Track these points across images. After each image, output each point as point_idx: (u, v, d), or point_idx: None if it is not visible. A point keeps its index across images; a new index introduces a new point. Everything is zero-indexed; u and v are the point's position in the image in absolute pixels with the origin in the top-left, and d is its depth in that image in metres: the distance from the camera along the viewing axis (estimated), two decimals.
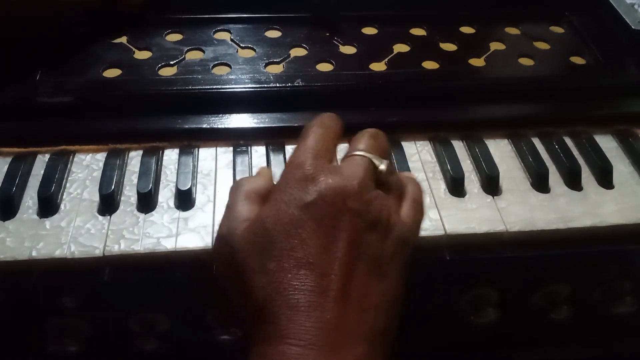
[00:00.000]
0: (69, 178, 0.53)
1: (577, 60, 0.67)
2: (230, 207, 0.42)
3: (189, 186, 0.51)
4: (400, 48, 0.67)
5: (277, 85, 0.60)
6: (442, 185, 0.54)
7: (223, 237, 0.40)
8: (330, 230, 0.37)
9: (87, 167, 0.54)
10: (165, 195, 0.52)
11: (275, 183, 0.41)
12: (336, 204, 0.38)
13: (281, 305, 0.35)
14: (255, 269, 0.37)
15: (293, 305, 0.35)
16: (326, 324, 0.35)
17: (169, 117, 0.56)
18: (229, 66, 0.63)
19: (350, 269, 0.36)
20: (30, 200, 0.50)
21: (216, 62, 0.63)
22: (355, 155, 0.41)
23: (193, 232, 0.49)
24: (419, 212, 0.43)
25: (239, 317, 0.38)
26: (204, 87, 0.59)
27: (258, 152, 0.56)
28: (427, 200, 0.52)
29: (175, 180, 0.52)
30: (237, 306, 0.38)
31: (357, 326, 0.36)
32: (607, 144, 0.59)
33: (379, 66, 0.64)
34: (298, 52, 0.65)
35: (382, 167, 0.41)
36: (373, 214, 0.38)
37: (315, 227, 0.37)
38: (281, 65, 0.63)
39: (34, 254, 0.46)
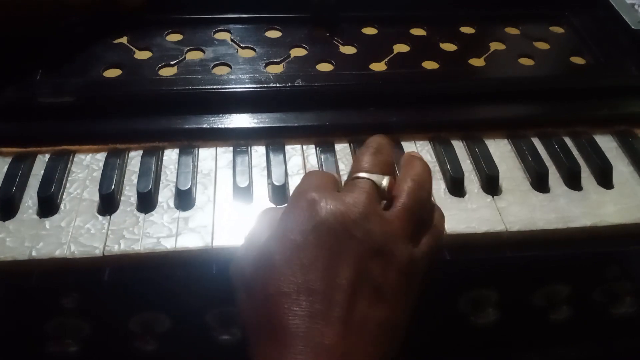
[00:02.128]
0: (69, 178, 0.53)
1: (577, 60, 0.67)
2: (251, 232, 0.43)
3: (189, 186, 0.51)
4: (400, 48, 0.67)
5: (277, 85, 0.60)
6: (442, 185, 0.54)
7: (238, 260, 0.41)
8: (331, 257, 0.37)
9: (87, 167, 0.54)
10: (165, 195, 0.52)
11: None
12: (338, 231, 0.38)
13: (281, 329, 0.36)
14: (259, 293, 0.38)
15: (293, 331, 0.35)
16: (325, 350, 0.35)
17: (169, 117, 0.56)
18: (229, 66, 0.63)
19: (350, 295, 0.37)
20: (30, 200, 0.50)
21: (216, 62, 0.63)
22: (357, 178, 0.42)
23: (193, 232, 0.49)
24: (437, 240, 0.43)
25: (247, 332, 0.39)
26: (204, 87, 0.59)
27: (258, 152, 0.56)
28: None
29: (175, 180, 0.52)
30: (245, 323, 0.39)
31: (356, 353, 0.36)
32: (607, 144, 0.59)
33: (379, 66, 0.64)
34: (298, 52, 0.66)
35: (384, 183, 0.42)
36: (375, 241, 0.38)
37: (316, 254, 0.37)
38: (281, 65, 0.63)
39: (34, 254, 0.46)
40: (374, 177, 0.42)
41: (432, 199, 0.52)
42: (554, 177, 0.55)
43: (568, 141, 0.58)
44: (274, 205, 0.51)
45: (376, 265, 0.38)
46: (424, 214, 0.43)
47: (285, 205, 0.44)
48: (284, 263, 0.38)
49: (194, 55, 0.64)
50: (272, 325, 0.36)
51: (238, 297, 0.40)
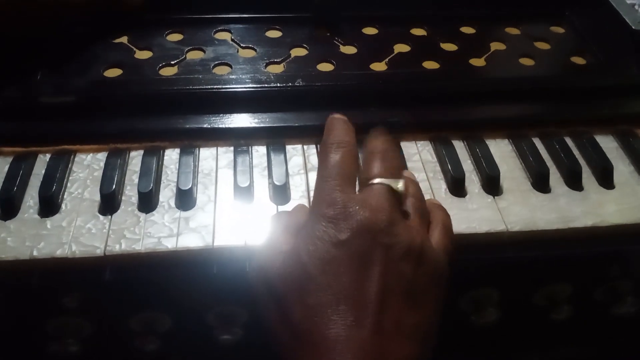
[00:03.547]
0: (70, 178, 0.53)
1: (578, 60, 0.67)
2: (269, 239, 0.43)
3: (189, 186, 0.51)
4: (401, 48, 0.67)
5: (278, 85, 0.60)
6: (443, 185, 0.54)
7: (261, 269, 0.41)
8: (364, 266, 0.38)
9: (88, 167, 0.54)
10: (166, 195, 0.52)
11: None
12: (367, 240, 0.39)
13: (321, 337, 0.36)
14: (295, 303, 0.38)
15: (333, 338, 0.36)
16: (363, 355, 0.36)
17: (170, 116, 0.56)
18: (230, 66, 0.63)
19: (384, 301, 0.37)
20: (31, 200, 0.50)
21: (217, 62, 0.63)
22: (373, 184, 0.42)
23: (194, 231, 0.49)
24: (449, 238, 0.44)
25: (277, 340, 0.39)
26: (204, 86, 0.59)
27: (259, 152, 0.56)
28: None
29: (176, 180, 0.52)
30: (277, 332, 0.39)
31: (393, 357, 0.37)
32: (608, 144, 0.59)
33: (379, 66, 0.64)
34: (299, 52, 0.66)
35: (400, 187, 0.42)
36: (403, 245, 0.39)
37: (349, 264, 0.38)
38: (282, 65, 0.64)
39: (35, 253, 0.46)
40: (390, 181, 0.42)
41: (430, 196, 0.52)
42: (555, 177, 0.55)
43: (569, 141, 0.58)
44: (274, 205, 0.51)
45: (406, 269, 0.39)
46: (427, 213, 0.44)
47: (299, 210, 0.44)
48: (319, 273, 0.38)
49: (194, 55, 0.64)
50: (309, 333, 0.37)
51: (266, 307, 0.40)
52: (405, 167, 0.55)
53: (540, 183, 0.54)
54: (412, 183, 0.46)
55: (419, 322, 0.39)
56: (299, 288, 0.38)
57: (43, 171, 0.52)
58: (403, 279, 0.39)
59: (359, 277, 0.38)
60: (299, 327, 0.38)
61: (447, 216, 0.46)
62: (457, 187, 0.53)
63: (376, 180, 0.42)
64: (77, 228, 0.48)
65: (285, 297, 0.39)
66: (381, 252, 0.39)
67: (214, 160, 0.55)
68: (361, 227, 0.39)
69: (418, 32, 0.70)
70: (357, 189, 0.43)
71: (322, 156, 0.44)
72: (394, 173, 0.43)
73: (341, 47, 0.67)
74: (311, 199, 0.49)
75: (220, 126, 0.56)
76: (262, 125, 0.57)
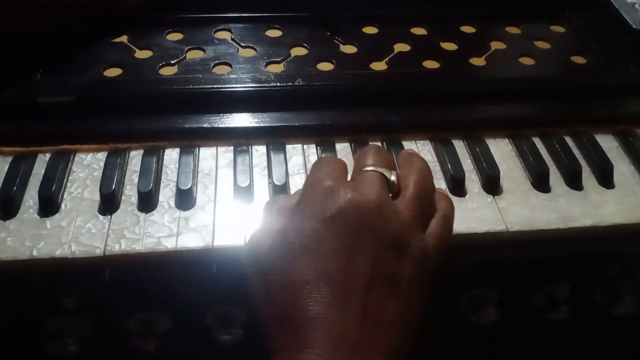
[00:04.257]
0: (70, 177, 0.53)
1: (578, 59, 0.67)
2: (263, 220, 0.43)
3: (189, 185, 0.51)
4: (401, 47, 0.67)
5: (278, 84, 0.60)
6: (443, 185, 0.54)
7: (251, 249, 0.41)
8: (350, 247, 0.38)
9: (87, 167, 0.54)
10: (166, 195, 0.52)
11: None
12: (356, 221, 0.38)
13: (302, 315, 0.36)
14: (278, 280, 0.38)
15: (312, 316, 0.36)
16: (342, 338, 0.35)
17: (170, 116, 0.56)
18: (230, 65, 0.63)
19: (367, 286, 0.37)
20: (31, 199, 0.50)
21: (217, 62, 0.63)
22: (366, 171, 0.42)
23: (194, 231, 0.49)
24: (446, 229, 0.43)
25: (261, 325, 0.39)
26: (204, 86, 0.59)
27: (259, 152, 0.56)
28: None
29: (175, 179, 0.52)
30: (262, 313, 0.39)
31: (372, 342, 0.36)
32: (608, 143, 0.59)
33: (379, 65, 0.64)
34: (299, 51, 0.65)
35: (393, 177, 0.42)
36: (391, 232, 0.39)
37: (335, 243, 0.38)
38: (282, 64, 0.63)
39: (34, 253, 0.46)
40: (383, 170, 0.42)
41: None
42: (555, 177, 0.55)
43: (569, 141, 0.58)
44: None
45: (392, 256, 0.39)
46: (431, 205, 0.44)
47: (297, 193, 0.44)
48: (304, 251, 0.38)
49: (194, 55, 0.64)
50: (291, 312, 0.37)
51: (253, 284, 0.40)
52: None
53: (540, 183, 0.54)
54: (418, 172, 0.44)
55: (402, 311, 0.38)
56: (283, 265, 0.38)
57: (43, 171, 0.52)
58: (388, 266, 0.38)
59: (345, 259, 0.38)
60: (280, 304, 0.37)
61: (451, 207, 0.45)
62: (457, 187, 0.53)
63: (368, 168, 0.42)
64: (77, 228, 0.48)
65: (270, 275, 0.38)
66: (369, 236, 0.38)
67: (213, 159, 0.55)
68: (350, 206, 0.39)
69: (418, 31, 0.70)
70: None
71: (312, 168, 0.45)
72: (388, 165, 0.43)
73: (341, 46, 0.67)
74: None
75: (220, 126, 0.56)
76: (262, 124, 0.57)
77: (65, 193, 0.51)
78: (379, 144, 0.57)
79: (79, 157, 0.54)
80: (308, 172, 0.53)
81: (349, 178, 0.44)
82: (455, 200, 0.52)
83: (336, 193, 0.39)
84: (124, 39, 0.65)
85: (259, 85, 0.59)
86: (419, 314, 0.39)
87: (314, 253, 0.38)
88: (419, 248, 0.40)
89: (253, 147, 0.56)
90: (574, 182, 0.55)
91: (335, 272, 0.37)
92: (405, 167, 0.45)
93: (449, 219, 0.44)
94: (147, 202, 0.50)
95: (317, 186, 0.40)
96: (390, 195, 0.42)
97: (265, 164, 0.55)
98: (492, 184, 0.53)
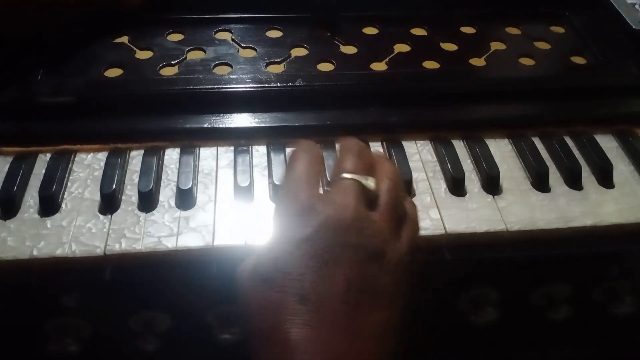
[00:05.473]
0: (70, 177, 0.53)
1: (578, 60, 0.67)
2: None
3: (190, 185, 0.51)
4: (401, 48, 0.67)
5: (278, 85, 0.60)
6: (443, 185, 0.54)
7: (240, 269, 0.40)
8: (327, 266, 0.37)
9: (88, 167, 0.54)
10: (166, 195, 0.52)
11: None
12: (331, 238, 0.38)
13: (282, 338, 0.36)
14: (260, 303, 0.38)
15: (292, 339, 0.35)
16: (323, 356, 0.35)
17: (170, 116, 0.57)
18: (230, 66, 0.63)
19: (348, 302, 0.37)
20: (31, 199, 0.50)
21: (217, 62, 0.63)
22: (343, 179, 0.41)
23: (194, 231, 0.49)
24: (416, 232, 0.43)
25: (250, 340, 0.39)
26: (205, 86, 0.59)
27: (259, 152, 0.56)
28: (428, 199, 0.52)
29: (176, 179, 0.52)
30: (250, 333, 0.39)
31: (356, 356, 0.36)
32: (608, 143, 0.59)
33: (379, 66, 0.64)
34: (299, 52, 0.66)
35: (371, 184, 0.42)
36: (369, 244, 0.39)
37: (312, 264, 0.37)
38: (282, 65, 0.64)
39: (35, 253, 0.46)
40: (360, 178, 0.42)
41: (430, 196, 0.52)
42: (555, 177, 0.55)
43: (568, 141, 0.58)
44: (274, 205, 0.51)
45: (371, 268, 0.38)
46: (402, 210, 0.43)
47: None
48: (281, 275, 0.37)
49: (194, 55, 0.64)
50: (274, 335, 0.36)
51: (242, 307, 0.40)
52: (408, 167, 0.55)
53: (540, 183, 0.54)
54: (389, 179, 0.43)
55: (387, 321, 0.38)
56: (264, 288, 0.38)
57: (43, 171, 0.52)
58: (369, 278, 0.38)
59: (322, 276, 0.37)
60: (262, 327, 0.37)
61: (415, 209, 0.45)
62: (456, 187, 0.53)
63: (347, 175, 0.42)
64: (77, 227, 0.48)
65: (252, 299, 0.38)
66: (346, 251, 0.38)
67: (214, 159, 0.55)
68: (324, 224, 0.38)
69: (418, 31, 0.70)
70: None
71: (288, 163, 0.44)
72: (368, 171, 0.43)
73: (341, 47, 0.67)
74: None
75: (221, 126, 0.56)
76: (262, 125, 0.57)
77: (66, 193, 0.51)
78: (379, 144, 0.57)
79: (80, 157, 0.55)
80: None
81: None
82: (455, 200, 0.53)
83: (311, 211, 0.39)
84: (124, 39, 0.65)
85: (259, 85, 0.59)
86: (400, 319, 0.39)
87: (290, 275, 0.37)
88: (396, 255, 0.40)
89: (253, 147, 0.56)
90: (573, 182, 0.55)
91: (312, 292, 0.37)
92: (377, 172, 0.44)
93: (416, 222, 0.44)
94: (148, 201, 0.50)
95: (293, 204, 0.40)
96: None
97: (266, 164, 0.55)
98: (492, 184, 0.53)
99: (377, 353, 0.37)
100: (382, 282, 0.38)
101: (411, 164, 0.55)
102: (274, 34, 0.68)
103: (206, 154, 0.55)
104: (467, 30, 0.71)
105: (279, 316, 0.36)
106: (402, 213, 0.43)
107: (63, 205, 0.50)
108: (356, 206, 0.40)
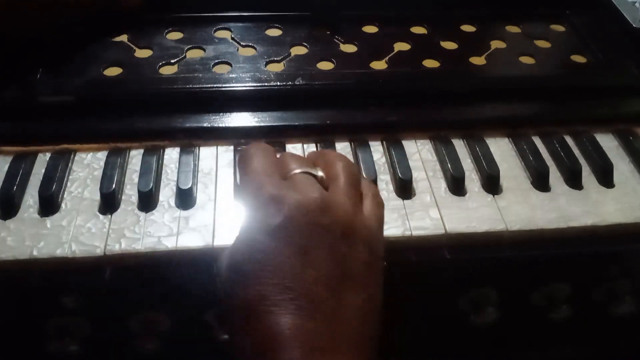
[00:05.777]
0: (70, 177, 0.53)
1: (578, 58, 0.67)
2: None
3: (189, 185, 0.51)
4: (401, 47, 0.67)
5: (278, 83, 0.60)
6: (443, 184, 0.54)
7: (217, 269, 0.41)
8: (302, 252, 0.38)
9: (88, 166, 0.54)
10: (166, 194, 0.52)
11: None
12: (302, 224, 0.38)
13: (266, 330, 0.36)
14: (239, 297, 0.38)
15: (276, 329, 0.36)
16: (309, 344, 0.36)
17: (170, 115, 0.56)
18: (230, 65, 0.63)
19: (325, 285, 0.37)
20: (31, 199, 0.50)
21: (217, 61, 0.63)
22: (294, 175, 0.42)
23: (194, 231, 0.49)
24: (381, 207, 0.44)
25: (232, 339, 0.39)
26: (204, 85, 0.59)
27: None
28: (428, 199, 0.52)
29: (176, 179, 0.52)
30: (230, 329, 0.40)
31: (340, 340, 0.37)
32: (608, 143, 0.59)
33: (379, 65, 0.64)
34: (299, 50, 0.65)
35: (320, 173, 0.43)
36: (339, 224, 0.39)
37: (287, 251, 0.38)
38: (282, 63, 0.63)
39: (34, 253, 0.46)
40: (309, 169, 0.42)
41: (430, 195, 0.52)
42: (555, 176, 0.55)
43: (569, 140, 0.58)
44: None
45: (344, 246, 0.39)
46: (360, 187, 0.44)
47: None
48: (258, 267, 0.38)
49: (194, 54, 0.64)
50: (257, 328, 0.36)
51: (224, 306, 0.40)
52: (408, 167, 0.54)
53: (540, 182, 0.54)
54: (337, 162, 0.44)
55: (364, 300, 0.38)
56: (242, 282, 0.38)
57: (43, 170, 0.52)
58: (343, 256, 0.38)
59: (297, 264, 0.37)
60: (245, 322, 0.37)
61: (374, 186, 0.46)
62: (457, 186, 0.53)
63: (297, 171, 0.42)
64: (77, 227, 0.48)
65: (231, 295, 0.38)
66: (319, 234, 0.38)
67: (214, 159, 0.55)
68: (295, 209, 0.39)
69: (418, 30, 0.70)
70: None
71: (242, 161, 0.44)
72: (309, 165, 0.44)
73: (341, 45, 0.67)
74: None
75: (220, 125, 0.56)
76: (262, 124, 0.57)
77: (66, 192, 0.51)
78: (379, 143, 0.57)
79: (79, 156, 0.54)
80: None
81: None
82: (455, 199, 0.53)
83: (278, 199, 0.39)
84: (124, 38, 0.65)
85: (259, 84, 0.59)
86: (379, 297, 0.40)
87: (267, 267, 0.37)
88: (366, 230, 0.40)
89: None
90: (574, 181, 0.54)
91: (291, 280, 0.37)
92: (322, 162, 0.45)
93: (377, 195, 0.45)
94: (148, 201, 0.50)
95: (258, 195, 0.40)
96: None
97: None
98: (492, 184, 0.53)
99: (356, 334, 0.37)
100: (356, 260, 0.39)
101: (411, 163, 0.55)
102: (274, 32, 0.68)
103: (206, 154, 0.55)
104: (468, 29, 0.71)
105: (262, 308, 0.36)
106: (360, 190, 0.44)
107: (63, 205, 0.50)
108: (319, 191, 0.40)
